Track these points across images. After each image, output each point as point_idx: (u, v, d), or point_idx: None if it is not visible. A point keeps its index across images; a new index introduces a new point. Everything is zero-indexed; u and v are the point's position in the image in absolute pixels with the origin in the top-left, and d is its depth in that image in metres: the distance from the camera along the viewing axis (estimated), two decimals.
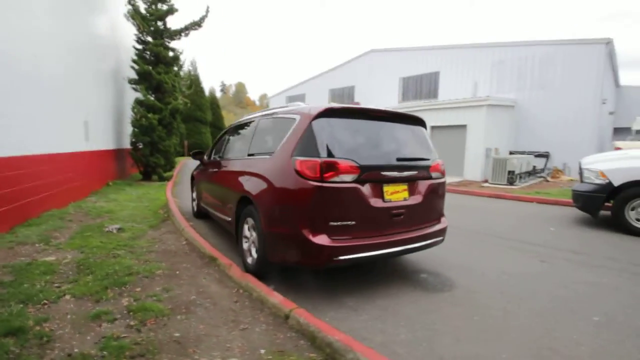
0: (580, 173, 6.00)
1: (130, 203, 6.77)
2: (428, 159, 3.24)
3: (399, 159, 2.97)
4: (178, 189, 9.44)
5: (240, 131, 4.43)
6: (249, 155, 3.58)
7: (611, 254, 4.15)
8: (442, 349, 2.13)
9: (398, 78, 20.60)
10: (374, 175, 2.77)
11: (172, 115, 10.53)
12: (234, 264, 3.33)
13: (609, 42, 13.83)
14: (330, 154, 2.65)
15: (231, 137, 4.54)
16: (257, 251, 3.09)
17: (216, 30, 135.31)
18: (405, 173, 2.98)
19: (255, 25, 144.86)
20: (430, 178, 3.19)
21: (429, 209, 3.19)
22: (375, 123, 3.01)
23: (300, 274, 3.29)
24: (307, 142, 2.73)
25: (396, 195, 2.91)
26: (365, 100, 22.23)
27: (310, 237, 2.57)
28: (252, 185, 3.18)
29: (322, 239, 2.58)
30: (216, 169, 4.44)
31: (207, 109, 39.36)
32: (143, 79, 9.89)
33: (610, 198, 5.38)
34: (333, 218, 2.61)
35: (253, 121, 3.90)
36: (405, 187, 2.98)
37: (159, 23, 10.18)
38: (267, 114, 3.66)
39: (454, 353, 2.09)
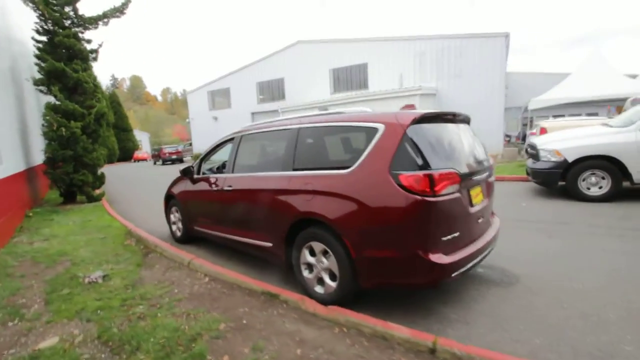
0: (533, 153, 6.91)
1: (78, 237, 5.39)
2: (488, 158, 3.27)
3: (477, 161, 2.92)
4: (121, 209, 7.95)
5: (264, 142, 3.84)
6: (295, 169, 3.09)
7: (593, 221, 4.87)
8: (574, 342, 2.15)
9: (328, 69, 20.79)
10: (467, 182, 2.66)
11: (97, 122, 8.70)
12: (305, 297, 2.88)
13: (507, 35, 16.17)
14: (430, 165, 2.44)
15: (244, 149, 3.89)
16: (339, 279, 2.71)
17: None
18: (483, 175, 2.95)
19: (151, 15, 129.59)
20: (490, 176, 3.23)
21: (490, 207, 3.24)
22: (448, 126, 2.88)
23: (368, 294, 3.03)
24: (404, 154, 2.45)
25: (478, 198, 2.85)
26: (297, 92, 21.94)
27: (429, 257, 2.34)
28: (323, 206, 2.75)
29: (439, 257, 2.38)
30: (228, 187, 3.75)
31: (107, 109, 34.12)
32: (55, 79, 7.89)
33: (565, 173, 6.32)
34: (444, 233, 2.42)
35: (286, 130, 3.36)
36: (480, 189, 2.94)
37: (67, 8, 8.19)
38: (316, 123, 3.15)
39: (588, 342, 2.12)
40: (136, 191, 11.67)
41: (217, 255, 4.34)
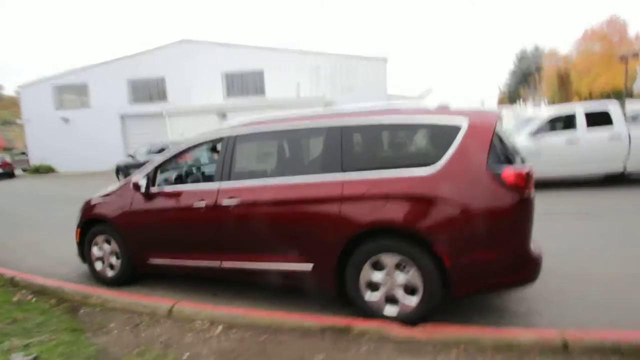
0: None
1: None
2: None
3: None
4: None
5: (280, 142, 3.09)
6: (346, 170, 2.53)
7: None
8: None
9: (220, 73, 19.39)
10: None
11: None
12: (386, 321, 2.36)
13: (386, 60, 18.62)
14: (515, 160, 2.44)
15: (243, 152, 3.00)
16: (423, 293, 2.33)
17: None
18: None
19: None
20: None
21: None
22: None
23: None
24: (496, 150, 2.35)
25: None
26: (182, 93, 19.58)
27: (531, 253, 2.33)
28: (401, 212, 2.31)
29: (536, 253, 2.39)
30: (229, 199, 2.78)
31: None
32: None
33: None
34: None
35: (318, 129, 2.74)
36: None
37: None
38: (369, 121, 2.62)
39: None
40: None
41: (191, 292, 3.20)
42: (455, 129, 2.41)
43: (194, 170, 4.01)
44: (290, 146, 3.13)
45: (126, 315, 2.80)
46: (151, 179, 3.24)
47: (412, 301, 2.40)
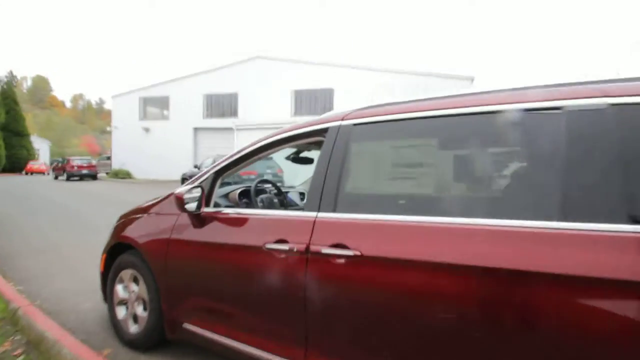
0: None
1: None
2: None
3: None
4: (0, 252, 4.70)
5: (457, 144, 1.55)
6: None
7: None
8: None
9: (290, 90, 19.13)
10: None
11: None
12: None
13: (472, 79, 16.66)
14: None
15: (369, 160, 1.67)
16: None
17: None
18: None
19: (67, 9, 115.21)
20: None
21: None
22: None
23: None
24: None
25: None
26: (252, 110, 19.66)
27: None
28: None
29: None
30: (342, 250, 1.35)
31: None
32: None
33: None
34: None
35: (551, 113, 1.18)
36: None
37: None
38: None
39: None
40: (32, 218, 7.81)
41: None
42: None
43: (271, 188, 2.77)
44: (477, 149, 1.44)
45: None
46: (205, 194, 2.05)
47: None
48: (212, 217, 1.99)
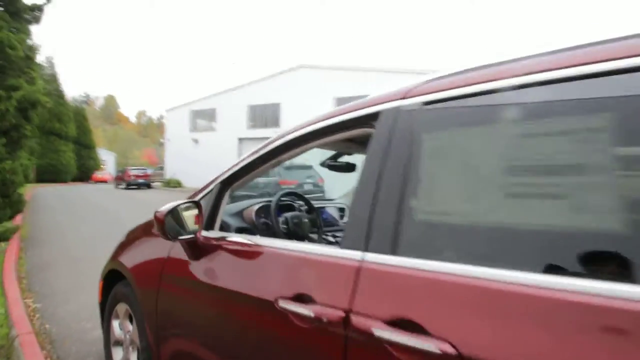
0: None
1: None
2: None
3: None
4: (40, 259, 4.66)
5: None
6: None
7: None
8: None
9: (332, 98, 18.71)
10: None
11: (23, 113, 5.51)
12: None
13: None
14: None
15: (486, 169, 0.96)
16: None
17: (79, 38, 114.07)
18: None
19: (135, 35, 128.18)
20: None
21: None
22: None
23: None
24: None
25: None
26: (294, 120, 19.50)
27: None
28: None
29: None
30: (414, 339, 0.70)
31: (69, 121, 29.74)
32: None
33: None
34: None
35: None
36: None
37: None
38: None
39: None
40: (80, 226, 8.06)
41: None
42: None
43: (301, 203, 2.08)
44: None
45: None
46: (207, 212, 1.50)
47: None
48: (212, 246, 1.41)
